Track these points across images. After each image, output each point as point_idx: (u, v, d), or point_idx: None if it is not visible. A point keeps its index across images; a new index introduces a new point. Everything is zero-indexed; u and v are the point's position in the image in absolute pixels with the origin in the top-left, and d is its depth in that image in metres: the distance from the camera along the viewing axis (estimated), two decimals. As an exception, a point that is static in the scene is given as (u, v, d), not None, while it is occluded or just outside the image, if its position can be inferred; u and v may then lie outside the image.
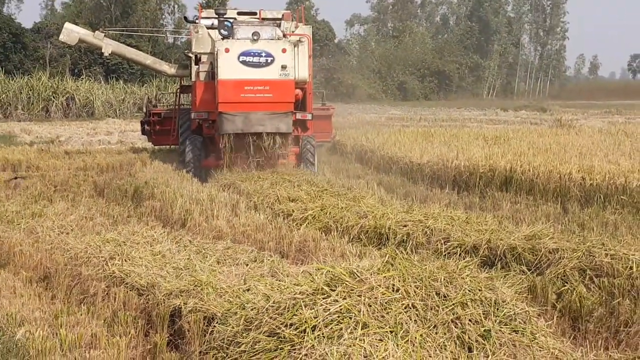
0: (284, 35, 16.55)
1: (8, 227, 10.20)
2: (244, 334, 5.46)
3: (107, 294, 7.26)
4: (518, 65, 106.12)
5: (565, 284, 7.25)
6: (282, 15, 17.96)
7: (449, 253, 8.54)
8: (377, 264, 5.79)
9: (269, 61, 15.60)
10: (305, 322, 5.15)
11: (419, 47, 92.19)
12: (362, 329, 5.03)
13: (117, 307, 6.94)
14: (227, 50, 15.63)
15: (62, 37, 18.07)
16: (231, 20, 16.50)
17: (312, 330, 5.08)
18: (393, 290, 5.38)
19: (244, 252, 8.59)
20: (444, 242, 8.85)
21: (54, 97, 41.97)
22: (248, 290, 6.51)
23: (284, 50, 15.61)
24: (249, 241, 9.56)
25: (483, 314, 5.31)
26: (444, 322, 5.19)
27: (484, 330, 5.18)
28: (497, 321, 5.29)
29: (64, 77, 45.91)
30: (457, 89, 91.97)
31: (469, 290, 5.49)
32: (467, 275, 5.73)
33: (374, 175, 16.20)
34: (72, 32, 17.65)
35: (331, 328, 5.07)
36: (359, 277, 5.52)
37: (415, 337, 5.02)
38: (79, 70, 53.37)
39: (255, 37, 15.62)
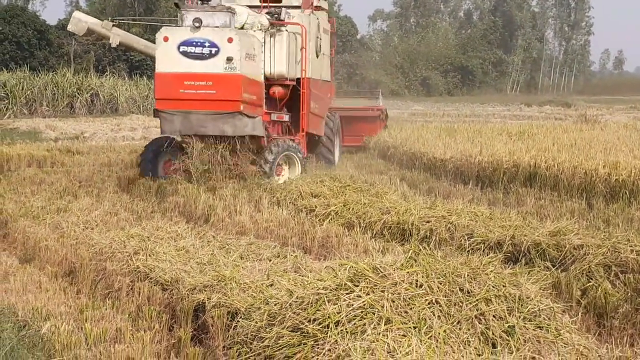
0: (272, 24, 14.62)
1: (34, 223, 10.29)
2: (267, 329, 5.47)
3: (131, 288, 7.31)
4: (542, 61, 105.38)
5: (590, 280, 7.20)
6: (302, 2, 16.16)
7: (472, 249, 8.51)
8: (400, 259, 5.78)
9: (213, 52, 13.35)
10: (328, 317, 5.15)
11: (442, 43, 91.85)
12: (385, 325, 5.02)
13: (141, 301, 6.98)
14: (165, 39, 13.56)
15: (70, 27, 17.49)
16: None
17: (336, 326, 5.08)
18: (416, 286, 5.37)
19: (267, 247, 8.61)
20: (468, 238, 8.83)
21: (78, 93, 42.27)
22: (271, 285, 6.53)
23: (229, 40, 13.29)
24: (272, 237, 9.59)
25: (507, 310, 5.28)
26: (467, 318, 5.17)
27: (508, 327, 5.16)
28: (522, 317, 5.26)
29: (89, 74, 46.20)
30: (481, 84, 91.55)
31: (493, 286, 5.46)
32: (491, 271, 5.71)
33: (397, 171, 16.17)
34: (80, 22, 17.11)
35: (354, 323, 5.08)
36: (382, 272, 5.52)
37: (439, 333, 5.00)
38: (103, 66, 53.71)
39: (196, 24, 13.40)
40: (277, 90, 14.78)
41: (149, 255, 8.04)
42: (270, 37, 14.39)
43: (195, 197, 11.87)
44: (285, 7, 15.67)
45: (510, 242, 8.39)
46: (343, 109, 19.79)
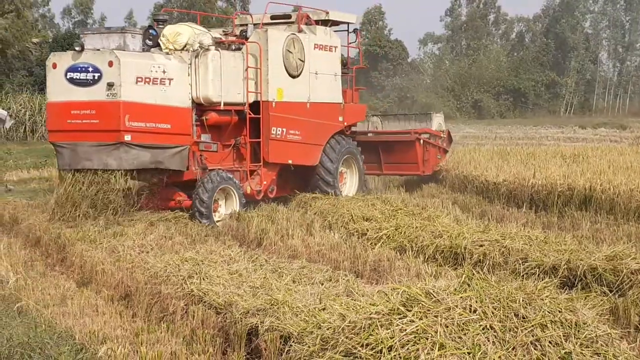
0: (218, 43, 13.49)
1: (90, 247, 10.48)
2: (320, 354, 5.47)
3: (185, 312, 7.38)
4: (596, 82, 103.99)
5: (649, 305, 7.05)
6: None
7: (527, 274, 8.42)
8: (453, 284, 5.74)
9: (96, 78, 12.23)
10: (381, 342, 5.14)
11: (493, 65, 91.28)
12: (439, 350, 4.99)
13: (195, 325, 7.04)
14: (54, 66, 12.68)
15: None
16: (159, 27, 13.47)
17: (389, 351, 5.06)
18: (470, 311, 5.32)
19: (319, 271, 8.62)
20: (522, 263, 8.73)
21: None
22: (324, 309, 6.54)
23: (110, 64, 12.11)
24: (323, 260, 9.61)
25: (563, 335, 5.20)
26: (523, 343, 5.10)
27: (565, 353, 5.08)
28: (578, 343, 5.18)
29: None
30: (534, 106, 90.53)
31: (549, 312, 5.39)
32: (547, 296, 5.63)
33: (449, 194, 16.07)
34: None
35: (407, 349, 5.05)
36: (435, 297, 5.48)
37: (494, 359, 4.95)
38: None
39: (77, 48, 12.45)
40: (211, 117, 13.47)
41: (203, 279, 8.13)
42: (196, 57, 13.10)
43: (248, 220, 11.98)
44: (279, 23, 14.99)
45: (565, 266, 8.28)
46: (371, 133, 18.03)
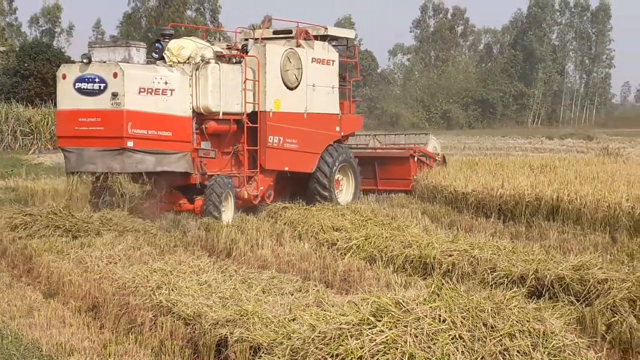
0: (220, 57, 14.42)
1: (58, 257, 10.35)
2: (290, 364, 5.46)
3: (154, 323, 7.32)
4: (563, 93, 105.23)
5: (615, 315, 7.13)
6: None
7: (495, 283, 8.47)
8: (423, 294, 5.77)
9: (101, 88, 13.20)
10: (351, 352, 5.14)
11: (462, 76, 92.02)
12: (408, 360, 5.00)
13: (164, 336, 6.99)
14: (64, 77, 13.66)
15: None
16: (164, 41, 14.44)
17: (359, 361, 5.07)
18: (439, 321, 5.35)
19: (288, 281, 8.62)
20: (490, 272, 8.79)
21: (101, 128, 42.73)
22: (294, 320, 6.53)
23: (114, 75, 13.07)
24: (293, 270, 9.60)
25: (531, 345, 5.24)
26: (491, 353, 5.13)
27: (533, 362, 5.11)
28: (546, 353, 5.22)
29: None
30: (502, 117, 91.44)
31: (517, 321, 5.43)
32: (515, 306, 5.67)
33: (418, 204, 16.13)
34: None
35: (377, 359, 5.06)
36: (404, 307, 5.50)
37: (463, 369, 4.97)
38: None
39: (84, 60, 13.43)
40: (210, 125, 14.28)
41: (172, 290, 8.07)
42: (196, 70, 13.97)
43: (218, 230, 11.93)
44: (278, 38, 15.87)
45: (533, 276, 8.34)
46: (367, 149, 18.72)
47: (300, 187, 16.09)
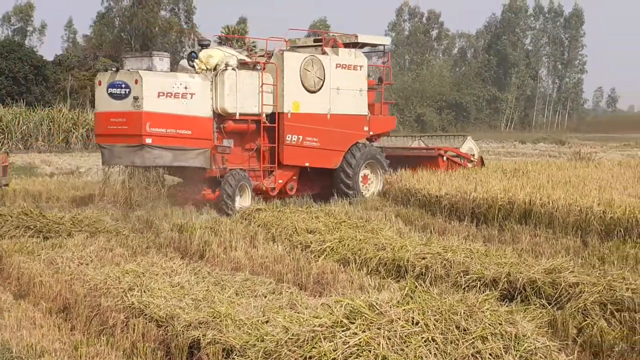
0: (242, 64, 16.21)
1: (28, 258, 10.25)
2: (263, 367, 5.44)
3: (126, 325, 7.27)
4: (536, 98, 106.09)
5: (586, 318, 7.20)
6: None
7: (468, 286, 8.50)
8: (396, 296, 5.78)
9: (127, 92, 15.19)
10: (324, 355, 5.14)
11: (436, 80, 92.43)
12: (381, 363, 5.00)
13: (136, 338, 6.95)
14: (99, 84, 15.73)
15: None
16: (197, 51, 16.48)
17: (332, 363, 5.06)
18: (413, 324, 5.36)
19: (262, 283, 8.59)
20: (463, 275, 8.82)
21: (74, 128, 42.35)
22: (267, 322, 6.51)
23: (136, 82, 15.06)
24: (267, 273, 9.57)
25: (503, 348, 5.27)
26: (464, 356, 5.16)
27: (505, 365, 5.14)
28: (518, 356, 5.26)
29: (85, 109, 46.36)
30: (475, 121, 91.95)
31: (489, 324, 5.46)
32: (487, 309, 5.70)
33: (392, 207, 16.15)
34: None
35: (350, 361, 5.06)
36: (378, 309, 5.51)
37: (435, 371, 4.99)
38: (99, 102, 53.87)
39: (113, 69, 15.70)
40: (229, 125, 16.01)
41: (144, 292, 8.01)
42: (216, 76, 15.75)
43: (191, 232, 11.87)
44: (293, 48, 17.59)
45: (505, 279, 8.39)
46: (397, 149, 19.89)
47: (326, 181, 17.48)
